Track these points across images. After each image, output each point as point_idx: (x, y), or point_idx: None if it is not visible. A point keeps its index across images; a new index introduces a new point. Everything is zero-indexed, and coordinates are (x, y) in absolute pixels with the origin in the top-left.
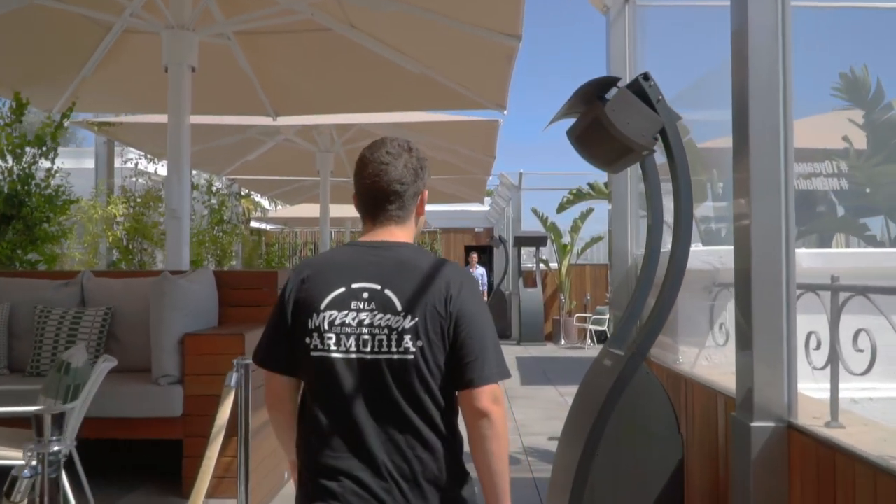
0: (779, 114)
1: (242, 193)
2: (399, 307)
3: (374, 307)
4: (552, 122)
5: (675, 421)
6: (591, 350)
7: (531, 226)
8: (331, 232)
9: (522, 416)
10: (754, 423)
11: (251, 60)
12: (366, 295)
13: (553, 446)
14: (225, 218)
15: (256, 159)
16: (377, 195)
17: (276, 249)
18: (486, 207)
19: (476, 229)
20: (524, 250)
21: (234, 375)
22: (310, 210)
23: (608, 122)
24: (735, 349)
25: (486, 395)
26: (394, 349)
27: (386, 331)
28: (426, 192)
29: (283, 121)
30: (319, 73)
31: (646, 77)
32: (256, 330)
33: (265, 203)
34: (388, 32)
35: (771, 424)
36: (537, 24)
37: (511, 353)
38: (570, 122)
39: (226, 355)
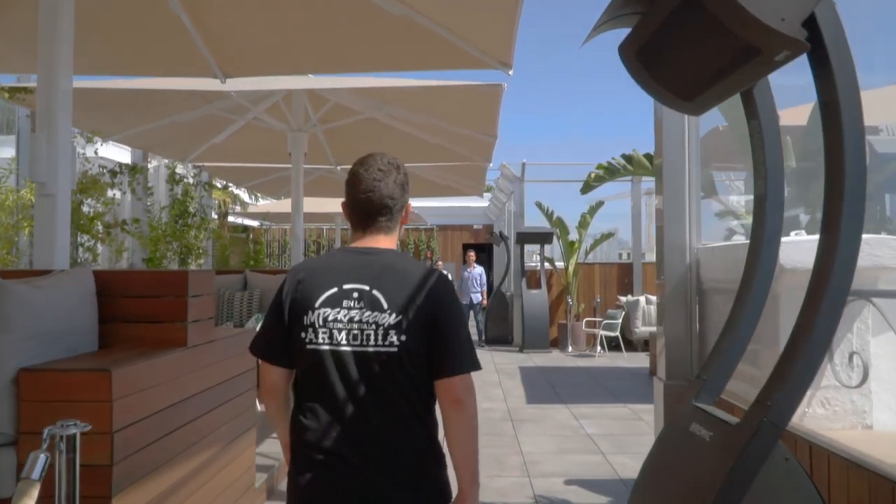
0: None
1: (218, 185)
2: (385, 305)
3: (362, 305)
4: (596, 31)
5: None
6: (602, 358)
7: (535, 221)
8: (323, 229)
9: (530, 448)
10: None
11: (185, 1)
12: (356, 294)
13: (572, 493)
14: (191, 210)
15: (225, 143)
16: (370, 209)
17: (263, 246)
18: (485, 203)
19: (475, 226)
20: (527, 248)
21: (42, 458)
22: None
23: None
24: None
25: (460, 385)
26: (380, 342)
27: (373, 326)
28: (410, 205)
29: (235, 85)
30: (275, 18)
31: None
32: (148, 359)
33: (245, 196)
34: None
35: None
36: (536, 24)
37: (513, 361)
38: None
39: (84, 402)
